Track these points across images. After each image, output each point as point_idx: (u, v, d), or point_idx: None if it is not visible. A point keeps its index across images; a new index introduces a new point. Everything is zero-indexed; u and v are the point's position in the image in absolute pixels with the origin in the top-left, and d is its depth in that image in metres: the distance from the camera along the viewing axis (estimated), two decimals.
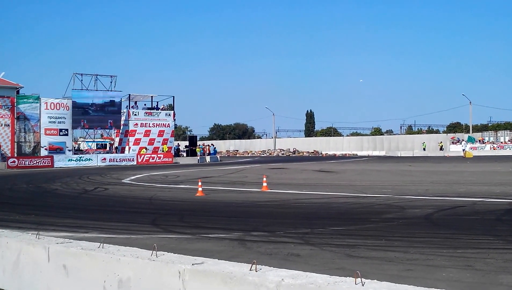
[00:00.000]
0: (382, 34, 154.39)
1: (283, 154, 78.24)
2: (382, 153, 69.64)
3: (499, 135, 68.21)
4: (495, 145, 62.44)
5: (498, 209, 11.23)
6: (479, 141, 65.57)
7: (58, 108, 42.24)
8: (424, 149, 67.45)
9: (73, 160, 41.07)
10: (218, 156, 55.71)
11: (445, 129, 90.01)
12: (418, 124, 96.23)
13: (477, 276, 5.53)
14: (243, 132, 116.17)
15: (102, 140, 53.79)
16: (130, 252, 4.26)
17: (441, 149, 64.76)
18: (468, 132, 70.62)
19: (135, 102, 47.77)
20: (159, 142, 47.05)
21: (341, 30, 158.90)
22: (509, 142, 62.66)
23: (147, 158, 44.50)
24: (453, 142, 66.65)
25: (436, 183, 18.73)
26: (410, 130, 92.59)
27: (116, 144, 48.50)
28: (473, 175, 23.39)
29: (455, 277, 5.49)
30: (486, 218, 10.02)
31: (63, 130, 42.32)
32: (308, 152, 77.46)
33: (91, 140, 50.08)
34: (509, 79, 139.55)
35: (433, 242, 7.57)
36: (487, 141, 65.89)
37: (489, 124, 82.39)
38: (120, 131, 46.87)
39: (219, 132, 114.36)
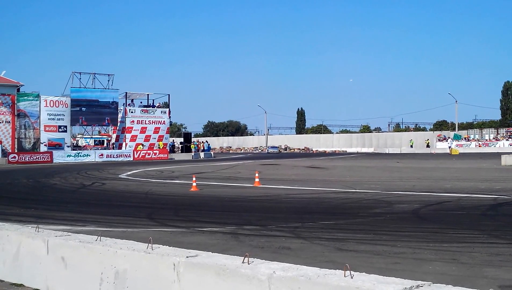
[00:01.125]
0: (371, 34, 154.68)
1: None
2: (371, 150, 69.78)
3: (484, 133, 68.83)
4: (480, 143, 62.99)
5: (483, 204, 11.39)
6: (465, 138, 66.04)
7: (57, 106, 42.34)
8: (411, 146, 67.56)
9: (71, 156, 41.22)
10: (212, 152, 55.87)
11: (432, 127, 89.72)
12: (405, 122, 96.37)
13: (463, 269, 5.63)
14: (236, 129, 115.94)
15: (100, 136, 53.83)
16: (127, 245, 4.37)
17: (427, 146, 64.90)
18: (454, 130, 70.79)
19: (132, 100, 47.78)
20: (155, 138, 47.16)
21: (331, 30, 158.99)
22: (493, 140, 63.20)
23: (143, 154, 44.69)
24: (439, 140, 66.94)
25: (423, 179, 18.90)
26: (398, 128, 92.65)
27: (113, 141, 48.58)
28: (459, 171, 23.58)
29: (441, 270, 5.59)
30: (471, 213, 10.18)
31: (62, 127, 42.44)
32: (299, 149, 77.59)
33: (89, 136, 50.20)
34: (493, 79, 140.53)
35: (420, 236, 7.72)
36: (473, 138, 66.32)
37: (474, 122, 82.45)
38: (117, 128, 46.92)
39: (213, 129, 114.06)
